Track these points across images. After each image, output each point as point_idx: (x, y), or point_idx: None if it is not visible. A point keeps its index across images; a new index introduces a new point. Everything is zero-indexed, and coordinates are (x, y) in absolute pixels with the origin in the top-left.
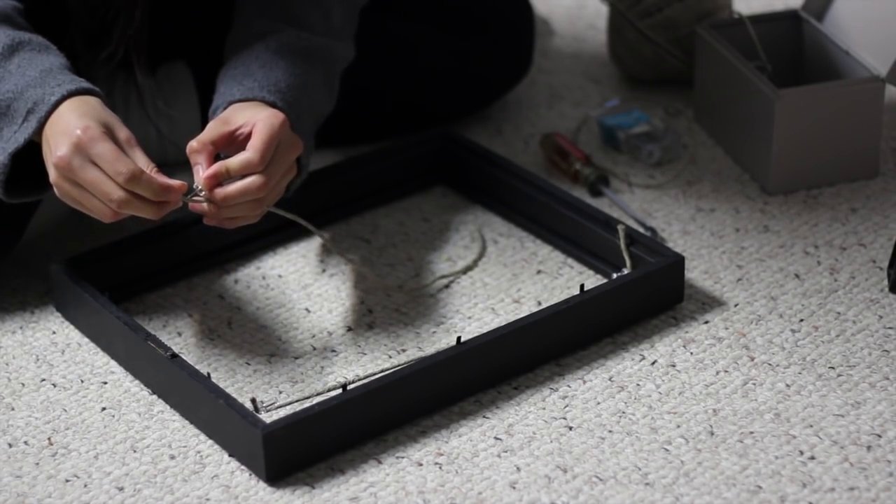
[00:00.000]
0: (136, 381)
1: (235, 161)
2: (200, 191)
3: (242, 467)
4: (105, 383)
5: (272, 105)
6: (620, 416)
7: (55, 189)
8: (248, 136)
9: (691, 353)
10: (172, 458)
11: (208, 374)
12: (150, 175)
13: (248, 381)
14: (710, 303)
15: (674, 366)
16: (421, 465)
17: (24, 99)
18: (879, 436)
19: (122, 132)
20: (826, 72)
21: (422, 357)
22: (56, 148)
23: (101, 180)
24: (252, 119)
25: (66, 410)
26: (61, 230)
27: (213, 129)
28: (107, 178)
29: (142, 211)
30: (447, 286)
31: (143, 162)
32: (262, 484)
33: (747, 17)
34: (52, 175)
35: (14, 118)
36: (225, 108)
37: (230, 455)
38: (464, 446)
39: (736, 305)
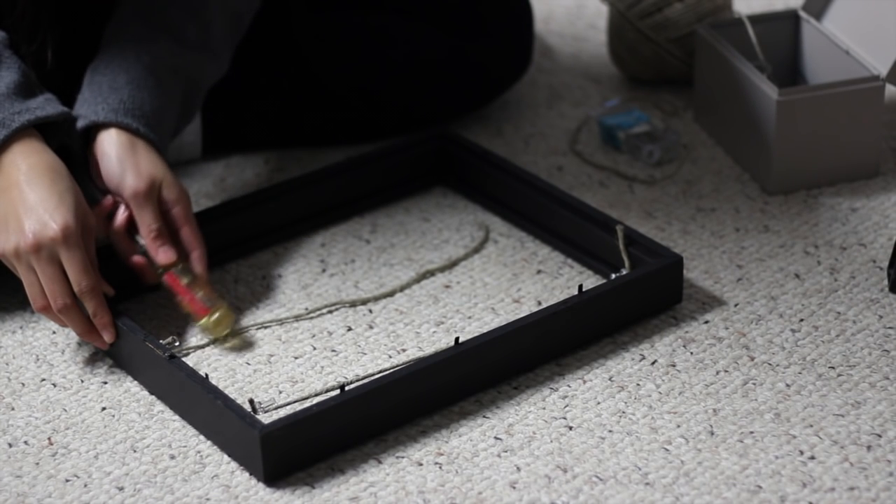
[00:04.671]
0: (136, 381)
1: (197, 266)
2: (177, 266)
3: (242, 467)
4: (105, 383)
5: (136, 133)
6: (620, 416)
7: (3, 251)
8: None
9: (691, 353)
10: (172, 458)
11: (206, 374)
12: (104, 306)
13: (247, 381)
14: (710, 303)
15: (674, 366)
16: (421, 464)
17: None
18: (879, 436)
19: (91, 219)
20: (826, 72)
21: (422, 357)
22: (26, 228)
23: (57, 279)
24: (170, 198)
25: (66, 410)
26: None
27: (154, 216)
28: (63, 278)
29: (73, 324)
30: (447, 286)
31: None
32: (262, 484)
33: (747, 16)
34: (7, 245)
35: None
36: (85, 127)
37: (229, 456)
38: (464, 446)
39: (736, 305)
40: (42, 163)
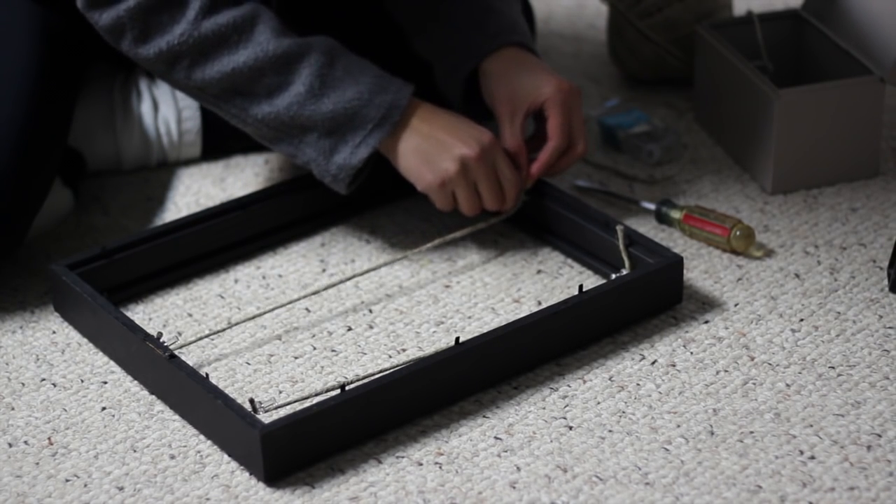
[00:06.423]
0: (136, 381)
1: (546, 156)
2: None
3: (242, 467)
4: (105, 383)
5: (521, 45)
6: (620, 416)
7: (445, 173)
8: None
9: (691, 353)
10: (172, 457)
11: (206, 374)
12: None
13: (247, 381)
14: (710, 303)
15: (674, 365)
16: (421, 464)
17: (373, 105)
18: (879, 436)
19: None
20: (826, 72)
21: (422, 357)
22: (467, 143)
23: (497, 181)
24: (536, 97)
25: (66, 410)
26: (61, 230)
27: (516, 127)
28: (503, 179)
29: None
30: (447, 286)
31: None
32: (262, 483)
33: (747, 16)
34: (453, 166)
35: (363, 124)
36: (484, 59)
37: (229, 455)
38: (464, 446)
39: (736, 305)
40: (431, 106)
